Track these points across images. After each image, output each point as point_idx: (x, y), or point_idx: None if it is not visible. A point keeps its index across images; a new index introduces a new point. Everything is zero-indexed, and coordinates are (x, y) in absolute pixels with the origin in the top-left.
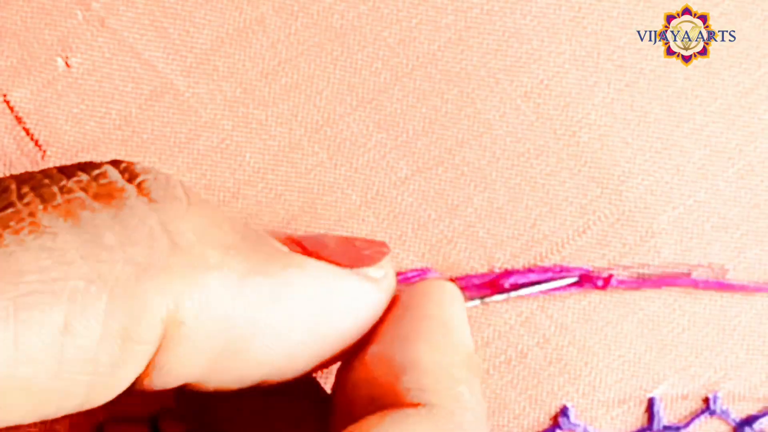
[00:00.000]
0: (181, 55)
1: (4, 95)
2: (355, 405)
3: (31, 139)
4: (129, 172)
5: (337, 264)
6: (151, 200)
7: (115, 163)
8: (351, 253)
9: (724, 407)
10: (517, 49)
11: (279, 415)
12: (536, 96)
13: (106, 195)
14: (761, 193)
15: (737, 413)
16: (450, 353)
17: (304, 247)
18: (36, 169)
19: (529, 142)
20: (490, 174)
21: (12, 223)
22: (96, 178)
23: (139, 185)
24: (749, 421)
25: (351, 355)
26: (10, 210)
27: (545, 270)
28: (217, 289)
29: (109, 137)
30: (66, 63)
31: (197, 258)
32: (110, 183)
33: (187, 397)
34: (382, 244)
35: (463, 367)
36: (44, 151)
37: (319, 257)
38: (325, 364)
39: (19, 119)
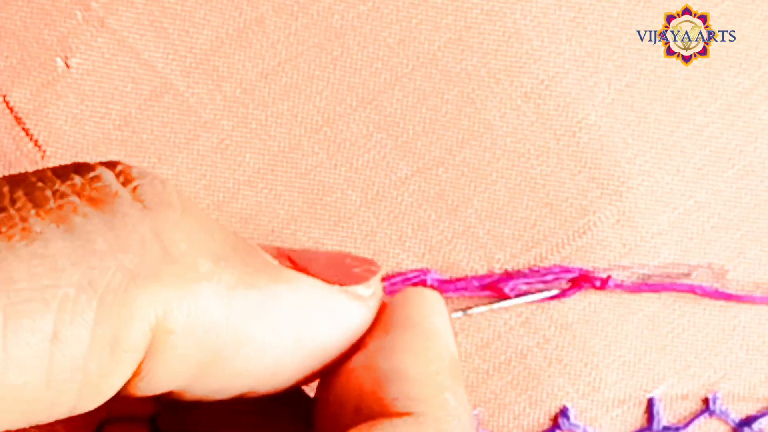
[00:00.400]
0: (181, 55)
1: (4, 95)
2: (339, 415)
3: (31, 139)
4: (124, 175)
5: (327, 281)
6: (145, 207)
7: (110, 165)
8: (341, 270)
9: (724, 407)
10: (517, 49)
11: (261, 421)
12: (536, 96)
13: (100, 199)
14: (761, 194)
15: (737, 413)
16: (435, 361)
17: (294, 261)
18: (35, 169)
19: (529, 143)
20: (490, 174)
21: (4, 229)
22: (90, 181)
23: (133, 190)
24: (749, 421)
25: (334, 368)
26: (2, 215)
27: (545, 271)
28: (207, 299)
29: (109, 137)
30: (65, 63)
31: (188, 267)
32: (104, 187)
33: (170, 404)
34: (372, 262)
35: (448, 374)
36: (44, 152)
37: (308, 273)
38: (308, 379)
39: (18, 119)
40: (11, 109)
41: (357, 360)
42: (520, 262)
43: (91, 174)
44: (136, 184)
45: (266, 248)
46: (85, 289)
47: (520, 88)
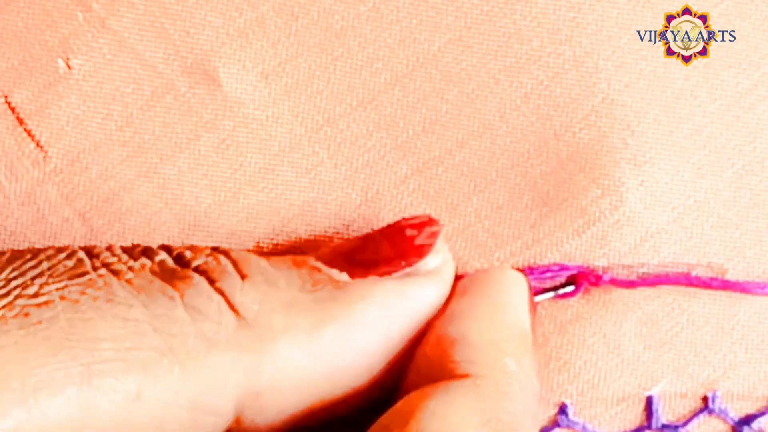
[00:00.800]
0: (182, 55)
1: (5, 96)
2: (413, 381)
3: (33, 140)
4: (183, 257)
5: (395, 270)
6: (211, 279)
7: (167, 250)
8: (404, 248)
9: (723, 406)
10: (517, 49)
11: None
12: (536, 96)
13: (172, 276)
14: (760, 193)
15: (736, 412)
16: (500, 329)
17: (357, 263)
18: (38, 170)
19: (528, 143)
20: (490, 174)
21: (89, 290)
22: (160, 264)
23: (197, 269)
24: (748, 420)
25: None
26: (87, 277)
27: (543, 269)
28: (288, 352)
29: (111, 138)
30: (67, 65)
31: (263, 328)
32: (174, 268)
33: None
34: (430, 221)
35: (513, 342)
36: (46, 152)
37: (377, 273)
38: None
39: (20, 120)
40: (13, 110)
41: (434, 327)
42: (520, 261)
43: (158, 258)
44: (199, 263)
45: (324, 255)
46: (166, 354)
47: (520, 88)
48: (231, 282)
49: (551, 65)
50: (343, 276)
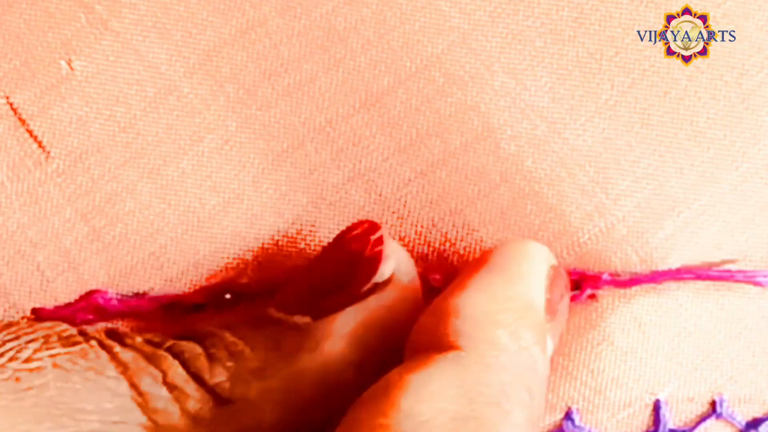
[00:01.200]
0: (184, 56)
1: (8, 97)
2: (410, 352)
3: (35, 140)
4: (153, 341)
5: (355, 300)
6: (183, 363)
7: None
8: (354, 264)
9: (730, 410)
10: (520, 51)
11: None
12: (539, 98)
13: (152, 356)
14: (766, 196)
15: (743, 416)
16: (500, 301)
17: (318, 300)
18: (40, 170)
19: (532, 146)
20: (494, 179)
21: (81, 361)
22: (140, 345)
23: (169, 349)
24: (755, 423)
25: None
26: (80, 347)
27: None
28: (270, 416)
29: (114, 140)
30: (69, 66)
31: (241, 400)
32: (152, 351)
33: None
34: (371, 227)
35: (512, 314)
36: (48, 153)
37: (339, 308)
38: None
39: (22, 121)
40: (15, 111)
41: (436, 300)
42: None
43: (138, 340)
44: (168, 345)
45: (284, 303)
46: (153, 431)
47: (523, 90)
48: (200, 365)
49: (554, 67)
50: (306, 320)
